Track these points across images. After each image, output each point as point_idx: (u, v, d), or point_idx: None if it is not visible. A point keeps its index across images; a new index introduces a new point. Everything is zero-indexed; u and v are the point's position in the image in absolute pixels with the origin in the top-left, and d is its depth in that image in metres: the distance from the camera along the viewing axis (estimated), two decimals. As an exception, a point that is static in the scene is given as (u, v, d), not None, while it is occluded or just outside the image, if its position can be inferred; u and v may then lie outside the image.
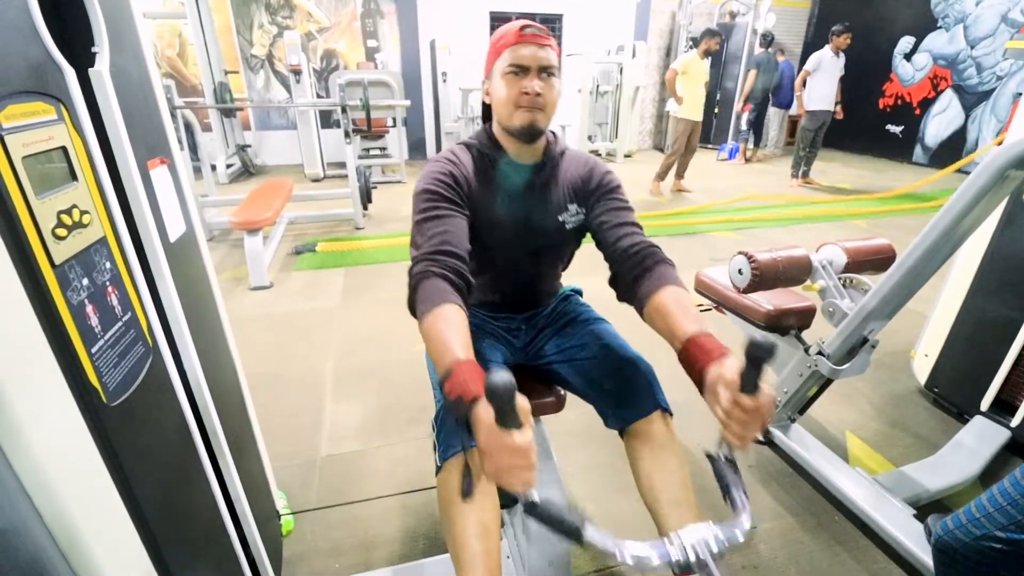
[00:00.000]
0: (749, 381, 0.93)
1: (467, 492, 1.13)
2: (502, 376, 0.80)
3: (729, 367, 1.01)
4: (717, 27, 10.64)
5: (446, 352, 1.07)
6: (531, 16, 9.98)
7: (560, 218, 1.51)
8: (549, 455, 1.56)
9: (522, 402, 0.86)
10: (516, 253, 1.54)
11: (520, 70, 1.36)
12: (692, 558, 0.91)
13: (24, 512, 0.72)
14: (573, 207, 1.52)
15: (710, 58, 6.98)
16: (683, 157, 7.48)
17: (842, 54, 7.46)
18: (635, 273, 1.35)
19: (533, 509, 0.90)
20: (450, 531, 1.26)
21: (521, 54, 1.35)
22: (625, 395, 1.44)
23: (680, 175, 7.75)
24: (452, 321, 1.14)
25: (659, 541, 0.94)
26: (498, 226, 1.47)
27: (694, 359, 1.11)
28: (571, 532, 0.90)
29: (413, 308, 1.23)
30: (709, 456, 1.08)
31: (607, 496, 2.15)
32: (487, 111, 1.54)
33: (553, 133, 1.57)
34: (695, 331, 1.14)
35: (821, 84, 7.47)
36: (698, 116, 7.09)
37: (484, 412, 0.91)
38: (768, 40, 9.20)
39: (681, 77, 6.86)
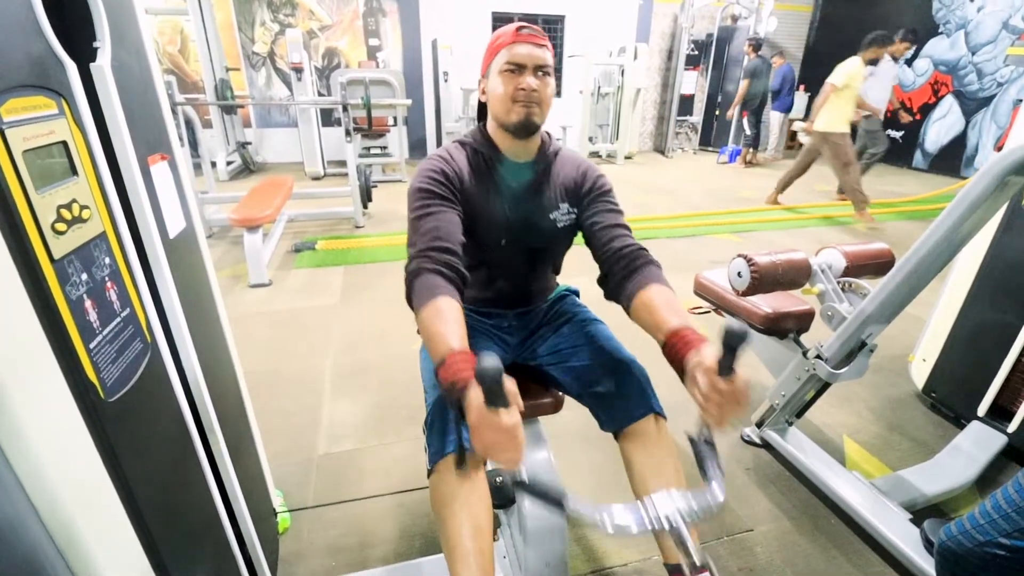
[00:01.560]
0: (725, 366, 1.01)
1: (460, 464, 1.26)
2: (490, 360, 0.88)
3: (707, 354, 1.08)
4: (719, 30, 10.71)
5: (441, 343, 1.13)
6: (533, 17, 10.01)
7: (552, 216, 1.54)
8: (547, 456, 1.56)
9: (509, 385, 0.93)
10: (509, 250, 1.56)
11: (517, 68, 1.40)
12: (666, 525, 1.00)
13: (20, 507, 0.72)
14: (565, 206, 1.55)
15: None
16: (796, 172, 6.78)
17: (891, 60, 6.74)
18: (623, 273, 1.39)
19: (522, 485, 0.99)
20: (443, 531, 1.28)
21: (518, 52, 1.39)
22: (619, 398, 1.46)
23: (782, 189, 7.00)
24: (446, 313, 1.19)
25: (634, 505, 1.02)
26: (491, 222, 1.50)
27: (676, 350, 1.17)
28: (555, 502, 0.99)
29: (410, 302, 1.27)
30: (690, 439, 1.15)
31: (605, 497, 2.15)
32: (482, 110, 1.56)
33: (548, 133, 1.59)
34: (678, 324, 1.20)
35: (875, 92, 6.71)
36: (847, 128, 6.20)
37: (475, 394, 0.96)
38: (757, 45, 9.20)
39: (840, 92, 6.01)
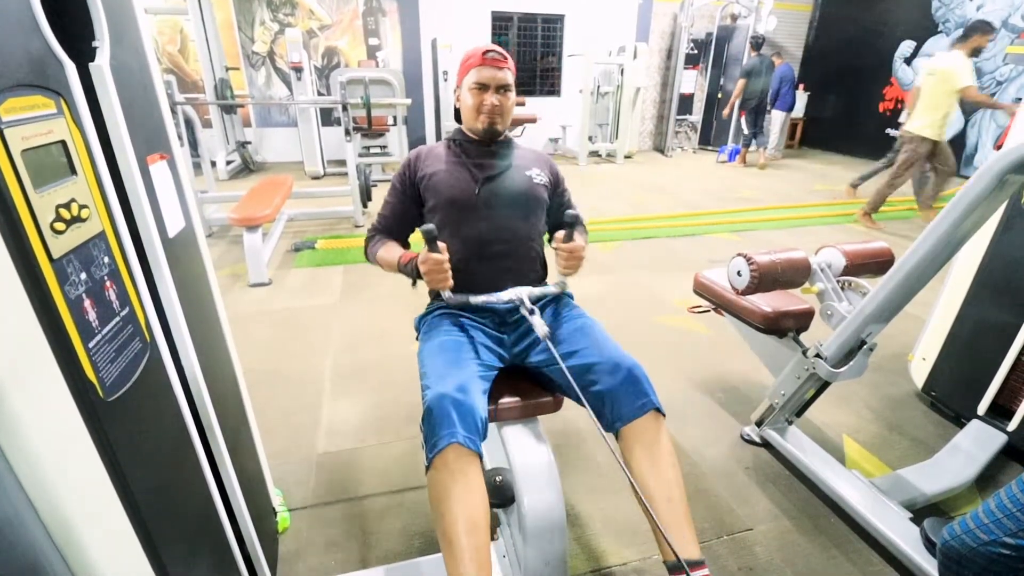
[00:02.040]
0: (567, 237, 1.62)
1: (413, 285, 1.86)
2: (427, 226, 1.51)
3: (558, 234, 1.65)
4: (719, 29, 10.71)
5: (396, 255, 1.75)
6: (532, 16, 10.01)
7: (528, 173, 1.86)
8: (547, 455, 1.55)
9: (440, 243, 1.54)
10: (493, 210, 1.78)
11: (482, 87, 1.75)
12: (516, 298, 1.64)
13: (19, 506, 0.72)
14: (537, 170, 1.89)
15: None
16: (888, 187, 5.87)
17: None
18: (561, 227, 1.79)
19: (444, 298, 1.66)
20: (440, 527, 1.31)
21: (483, 74, 1.74)
22: (618, 396, 1.49)
23: (875, 207, 6.12)
24: (392, 246, 1.84)
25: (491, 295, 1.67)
26: (462, 178, 1.80)
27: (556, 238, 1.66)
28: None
29: (367, 256, 1.90)
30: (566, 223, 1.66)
31: (604, 496, 2.15)
32: (458, 113, 1.89)
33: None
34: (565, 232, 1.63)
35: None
36: (942, 135, 5.59)
37: (422, 253, 1.56)
38: (759, 43, 9.17)
39: (941, 90, 5.39)
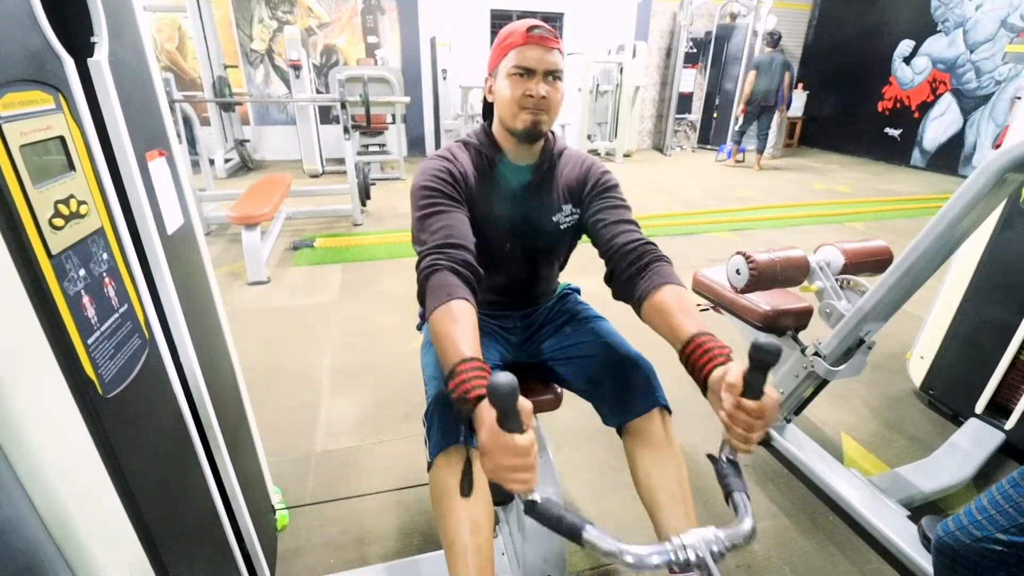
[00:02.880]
0: (753, 385, 0.94)
1: (466, 492, 1.17)
2: (505, 378, 0.81)
3: (733, 371, 1.01)
4: (718, 28, 10.70)
5: (452, 349, 1.08)
6: (532, 14, 9.97)
7: (555, 219, 1.52)
8: (546, 453, 1.56)
9: (524, 404, 0.88)
10: (512, 252, 1.55)
11: (526, 72, 1.36)
12: (694, 558, 0.89)
13: (19, 504, 0.72)
14: (568, 207, 1.53)
15: None
16: None
17: None
18: (632, 270, 1.34)
19: (532, 509, 0.90)
20: (442, 526, 1.28)
21: (528, 56, 1.34)
22: (624, 392, 1.44)
23: None
24: (460, 317, 1.14)
25: (661, 545, 0.91)
26: (494, 224, 1.48)
27: (696, 360, 1.11)
28: (571, 532, 0.91)
29: (423, 302, 1.25)
30: (711, 458, 1.07)
31: (605, 495, 2.15)
32: (488, 108, 1.53)
33: (552, 132, 1.57)
34: (696, 331, 1.14)
35: None
36: None
37: (486, 412, 0.92)
38: (776, 39, 8.98)
39: None
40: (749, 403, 0.95)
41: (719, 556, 0.90)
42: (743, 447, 1.02)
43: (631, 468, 1.43)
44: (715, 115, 10.73)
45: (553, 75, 1.37)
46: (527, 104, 1.36)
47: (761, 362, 0.90)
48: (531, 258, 1.59)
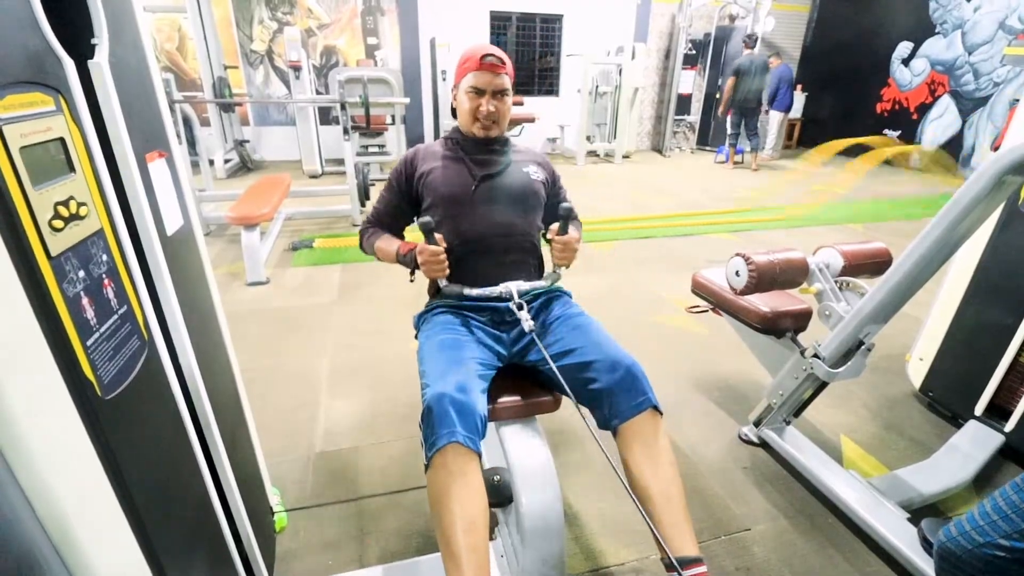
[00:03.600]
0: (562, 229, 1.69)
1: (427, 237, 1.65)
2: (424, 219, 1.62)
3: (553, 227, 1.72)
4: (717, 30, 10.71)
5: (393, 247, 1.81)
6: (531, 16, 10.01)
7: (525, 170, 1.88)
8: (545, 454, 1.55)
9: (437, 235, 1.65)
10: (491, 206, 1.79)
11: (478, 92, 1.75)
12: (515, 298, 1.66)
13: (16, 505, 0.72)
14: (535, 167, 1.91)
15: None
16: None
17: None
18: (555, 219, 1.75)
19: (440, 291, 1.75)
20: (439, 526, 1.31)
21: (480, 80, 1.73)
22: (617, 394, 1.49)
23: None
24: (390, 237, 1.92)
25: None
26: (459, 174, 1.81)
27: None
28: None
29: (363, 247, 1.99)
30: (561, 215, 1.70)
31: (603, 496, 2.15)
32: (455, 111, 1.89)
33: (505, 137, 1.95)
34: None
35: None
36: None
37: (420, 245, 1.64)
38: (751, 41, 9.09)
39: None
40: (558, 237, 1.70)
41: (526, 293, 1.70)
42: (563, 263, 1.73)
43: (625, 468, 1.47)
44: (718, 113, 10.70)
45: (501, 94, 1.77)
46: (480, 116, 1.78)
47: (563, 217, 1.69)
48: (508, 208, 1.82)
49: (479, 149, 1.85)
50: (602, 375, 1.51)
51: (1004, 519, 1.22)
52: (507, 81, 1.75)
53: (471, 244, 1.75)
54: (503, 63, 1.73)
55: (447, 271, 1.65)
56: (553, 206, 1.92)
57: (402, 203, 1.92)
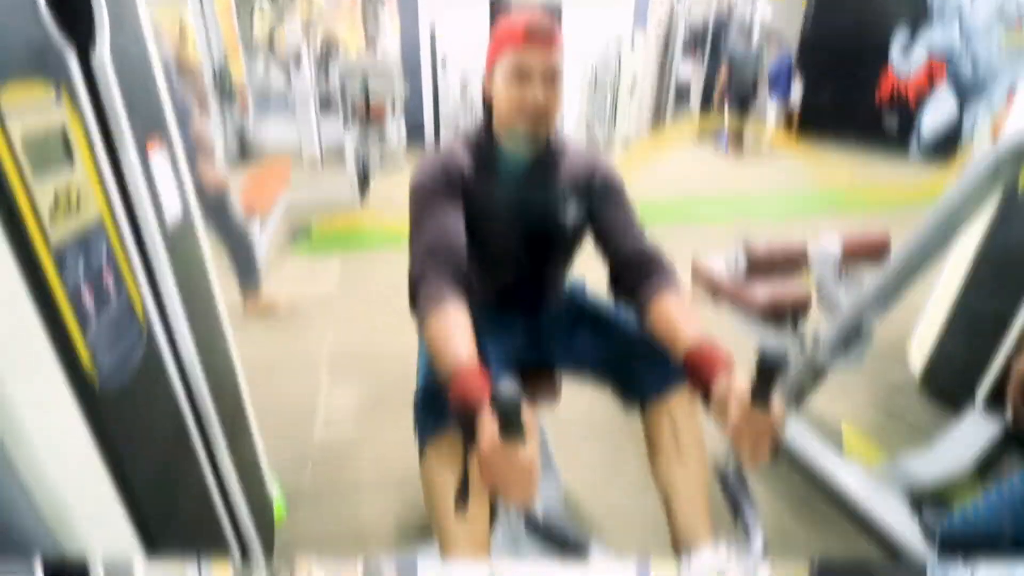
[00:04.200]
0: (761, 394, 0.87)
1: (462, 503, 1.07)
2: (508, 387, 0.79)
3: (739, 380, 0.95)
4: (716, 18, 10.65)
5: (449, 355, 1.04)
6: (530, 3, 9.94)
7: (558, 216, 1.44)
8: (546, 446, 1.56)
9: (528, 416, 0.85)
10: (515, 249, 1.48)
11: (522, 75, 1.27)
12: None
13: (16, 494, 0.72)
14: (572, 205, 1.44)
15: None
16: None
17: None
18: (636, 279, 1.31)
19: (534, 525, 0.90)
20: (434, 516, 1.27)
21: (525, 59, 1.26)
22: (651, 364, 1.33)
23: None
24: (455, 321, 1.11)
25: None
26: (496, 221, 1.42)
27: (698, 369, 1.06)
28: (575, 549, 0.89)
29: (414, 306, 1.21)
30: (721, 477, 1.06)
31: (605, 488, 2.15)
32: (488, 106, 1.42)
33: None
34: (697, 338, 1.10)
35: None
36: None
37: (488, 423, 0.89)
38: (748, 29, 9.08)
39: None
40: (757, 415, 0.90)
41: None
42: (752, 463, 0.95)
43: (650, 454, 1.34)
44: (714, 102, 10.68)
45: (552, 77, 1.28)
46: (527, 110, 1.29)
47: (769, 369, 0.84)
48: (534, 254, 1.51)
49: (518, 167, 1.42)
50: (633, 347, 1.38)
51: (1009, 509, 1.22)
52: (560, 58, 1.28)
53: (489, 294, 1.53)
54: (553, 35, 1.27)
55: (533, 499, 0.92)
56: (600, 228, 1.44)
57: (460, 210, 1.34)
